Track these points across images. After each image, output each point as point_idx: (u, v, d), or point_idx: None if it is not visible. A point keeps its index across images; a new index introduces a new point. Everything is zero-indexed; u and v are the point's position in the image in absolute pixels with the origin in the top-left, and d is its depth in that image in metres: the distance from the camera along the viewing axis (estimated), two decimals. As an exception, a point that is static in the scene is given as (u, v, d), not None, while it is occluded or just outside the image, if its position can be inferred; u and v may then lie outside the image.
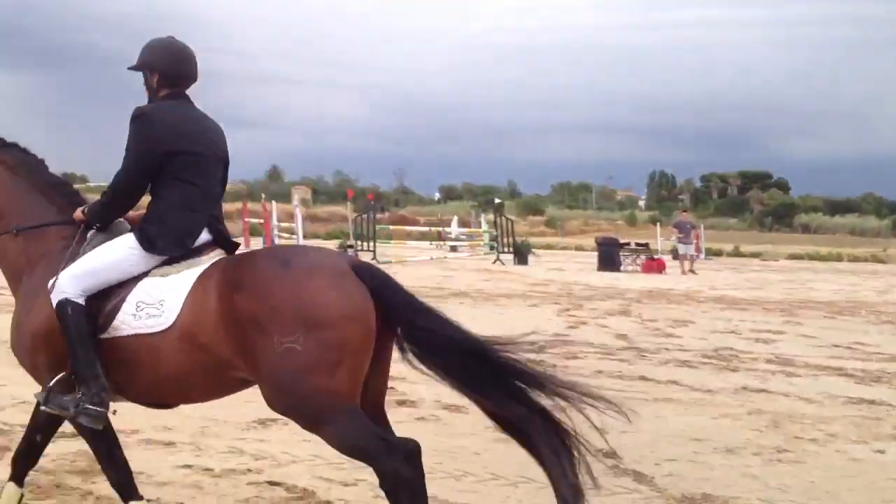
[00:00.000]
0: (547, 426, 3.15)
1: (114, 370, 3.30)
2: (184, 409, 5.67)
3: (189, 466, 4.62)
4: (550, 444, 3.13)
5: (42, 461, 4.28)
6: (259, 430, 5.44)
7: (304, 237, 27.45)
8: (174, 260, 3.42)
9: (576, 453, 3.17)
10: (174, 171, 3.43)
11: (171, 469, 4.55)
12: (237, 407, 5.96)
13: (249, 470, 4.64)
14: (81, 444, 4.61)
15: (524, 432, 3.20)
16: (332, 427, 3.06)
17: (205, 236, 3.53)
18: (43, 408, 3.42)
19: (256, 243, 29.41)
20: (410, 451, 3.11)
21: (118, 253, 3.39)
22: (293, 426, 5.49)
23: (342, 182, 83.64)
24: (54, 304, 3.29)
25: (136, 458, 4.57)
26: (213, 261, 3.41)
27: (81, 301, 3.28)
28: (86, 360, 3.22)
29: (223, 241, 3.62)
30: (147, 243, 3.38)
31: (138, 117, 3.45)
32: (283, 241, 28.59)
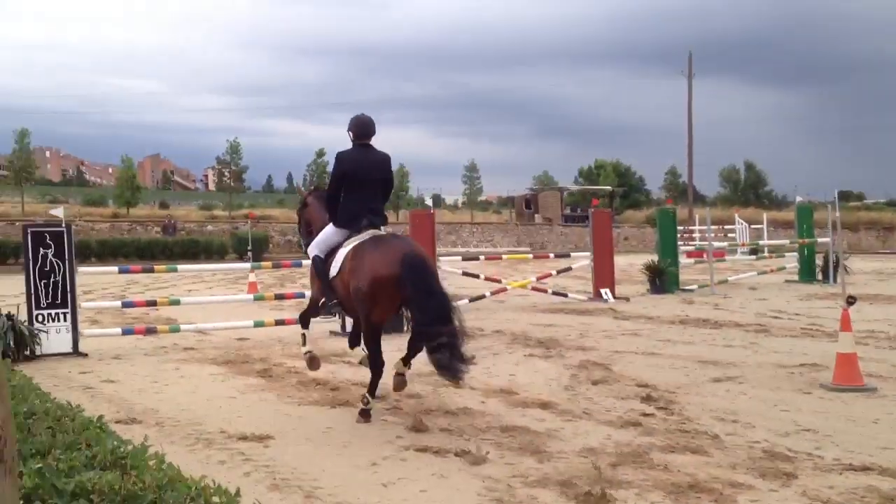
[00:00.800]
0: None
1: (336, 294, 6.51)
2: None
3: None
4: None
5: (829, 493, 4.37)
6: None
7: None
8: (351, 237, 6.47)
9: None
10: (348, 187, 6.61)
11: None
12: None
13: None
14: (870, 480, 4.55)
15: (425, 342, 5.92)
16: (367, 329, 6.21)
17: (365, 222, 6.53)
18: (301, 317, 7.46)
19: None
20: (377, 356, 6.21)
21: (328, 230, 6.73)
22: None
23: None
24: (310, 259, 6.89)
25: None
26: (362, 240, 6.38)
27: (322, 256, 6.68)
28: (323, 285, 6.61)
29: (376, 224, 6.62)
30: (334, 222, 6.66)
31: (335, 159, 6.69)
32: None
